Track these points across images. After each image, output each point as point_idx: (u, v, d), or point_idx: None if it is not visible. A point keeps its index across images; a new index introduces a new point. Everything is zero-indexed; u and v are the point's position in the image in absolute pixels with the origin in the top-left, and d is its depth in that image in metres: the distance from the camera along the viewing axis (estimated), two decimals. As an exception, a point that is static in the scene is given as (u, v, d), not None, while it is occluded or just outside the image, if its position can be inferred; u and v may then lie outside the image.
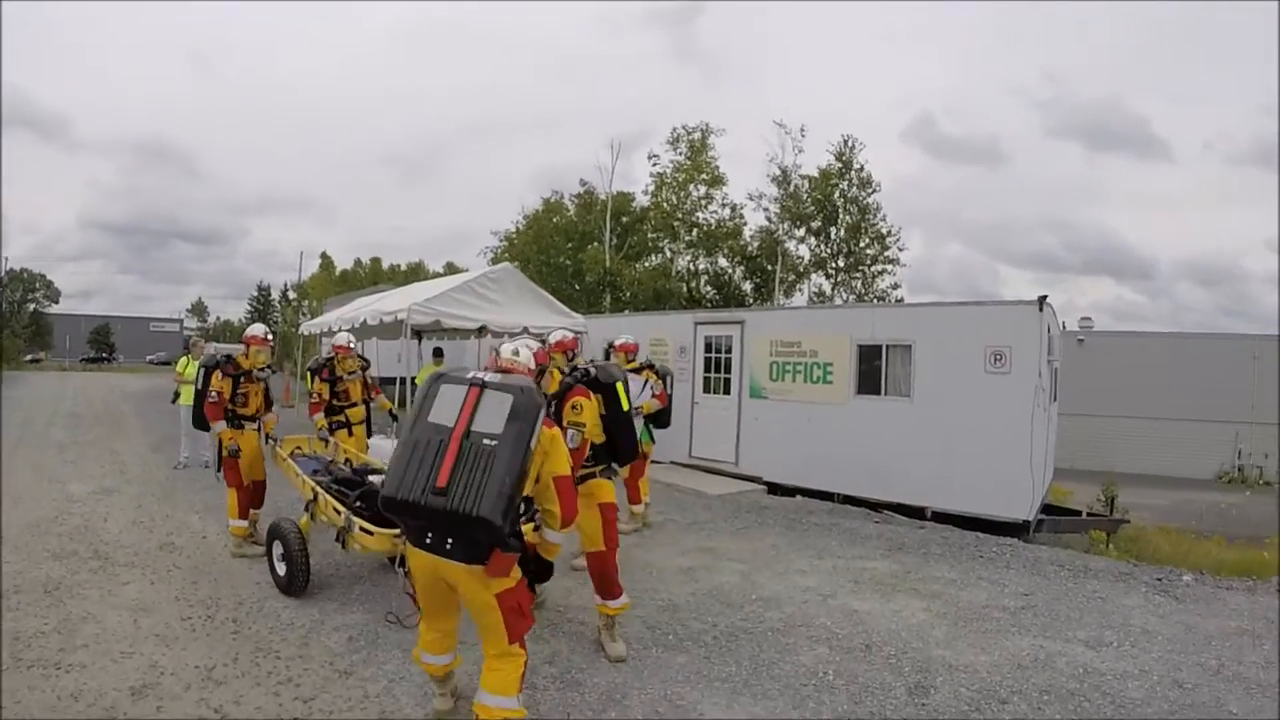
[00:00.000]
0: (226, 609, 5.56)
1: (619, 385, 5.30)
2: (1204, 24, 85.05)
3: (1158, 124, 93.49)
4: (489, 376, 3.63)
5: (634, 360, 8.67)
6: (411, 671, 4.55)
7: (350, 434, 8.34)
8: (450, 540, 3.44)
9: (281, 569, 5.86)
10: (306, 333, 20.22)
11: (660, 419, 8.51)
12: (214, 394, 6.90)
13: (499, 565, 3.46)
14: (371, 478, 5.81)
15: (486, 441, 3.39)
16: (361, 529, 4.95)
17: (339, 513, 5.32)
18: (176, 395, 11.85)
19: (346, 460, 7.26)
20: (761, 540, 8.21)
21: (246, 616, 5.42)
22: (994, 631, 5.61)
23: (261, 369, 7.35)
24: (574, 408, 4.91)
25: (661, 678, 4.65)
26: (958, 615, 5.93)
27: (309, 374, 8.67)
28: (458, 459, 3.38)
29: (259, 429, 7.39)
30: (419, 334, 13.68)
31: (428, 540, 3.50)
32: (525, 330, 13.31)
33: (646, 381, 8.43)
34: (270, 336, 7.49)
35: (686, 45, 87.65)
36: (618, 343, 8.62)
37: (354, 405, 8.43)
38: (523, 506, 3.71)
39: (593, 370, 5.25)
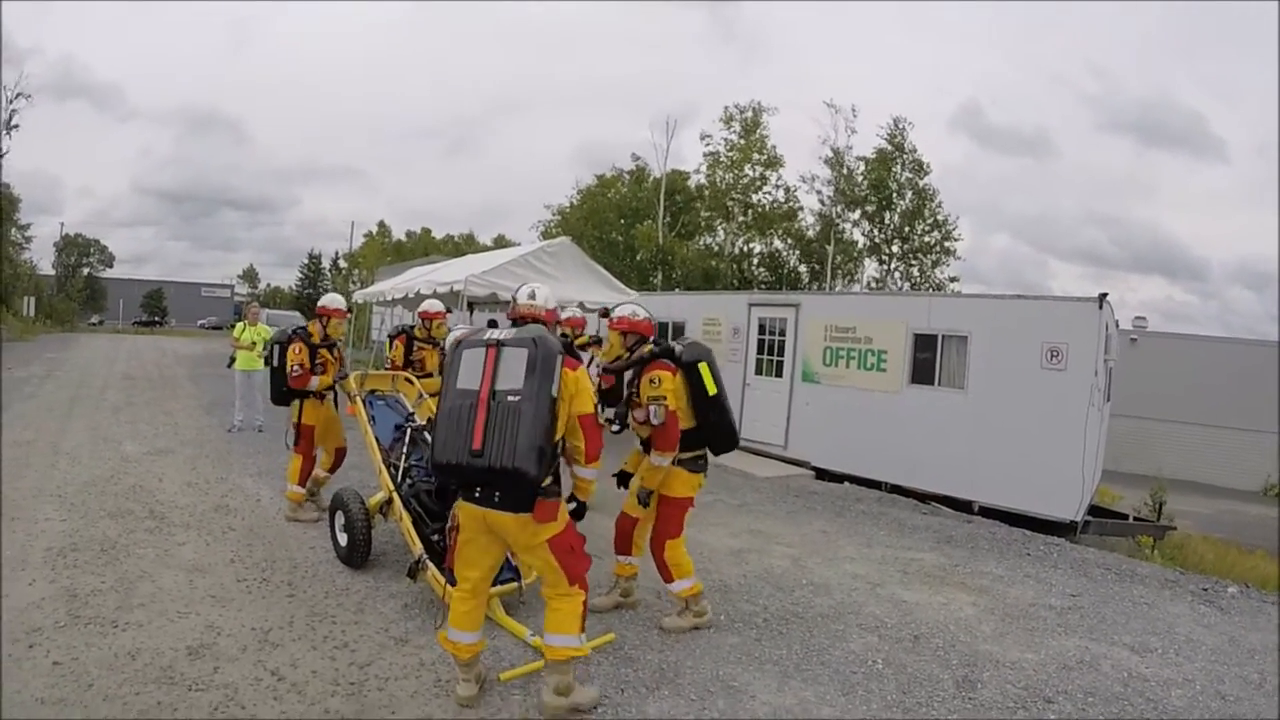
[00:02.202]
0: (282, 572, 5.69)
1: (702, 365, 5.05)
2: (1259, 21, 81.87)
3: (1214, 123, 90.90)
4: (503, 334, 3.79)
5: (581, 335, 8.58)
6: None
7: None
8: (497, 494, 3.66)
9: (343, 539, 5.87)
10: (361, 300, 20.54)
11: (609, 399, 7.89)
12: (296, 367, 6.99)
13: (545, 511, 3.69)
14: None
15: (511, 399, 3.58)
16: (435, 576, 4.89)
17: (413, 539, 5.24)
18: (232, 360, 12.04)
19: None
20: (810, 525, 8.35)
21: (302, 580, 5.55)
22: (1041, 630, 5.70)
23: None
24: (652, 381, 4.87)
25: (714, 658, 4.80)
26: (1005, 611, 6.03)
27: (388, 339, 8.64)
28: (488, 420, 3.57)
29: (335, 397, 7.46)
30: (472, 306, 13.86)
31: (476, 495, 3.73)
32: (580, 305, 13.51)
33: (593, 359, 8.24)
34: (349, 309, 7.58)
35: (727, 26, 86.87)
36: (563, 316, 8.24)
37: (429, 376, 8.14)
38: (559, 447, 3.86)
39: (677, 347, 5.12)
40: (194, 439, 10.90)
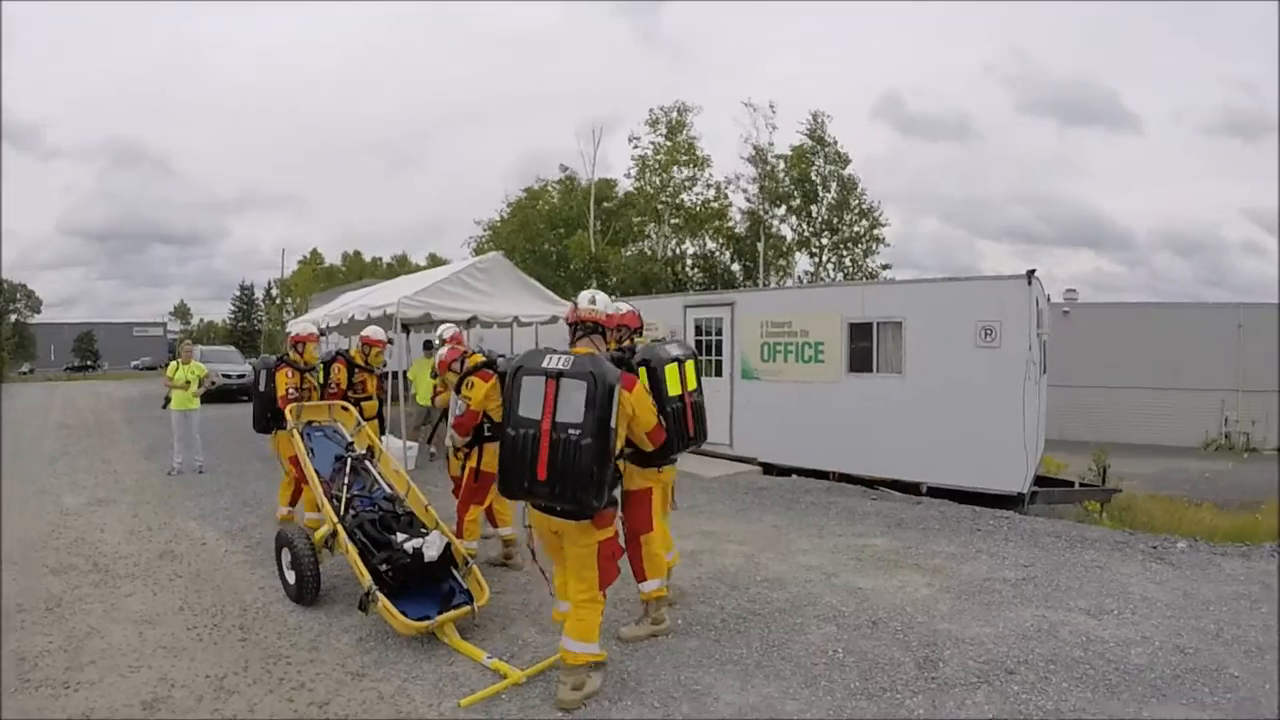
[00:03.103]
0: (232, 616, 5.51)
1: (662, 369, 4.95)
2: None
3: (1127, 98, 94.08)
4: (561, 363, 3.90)
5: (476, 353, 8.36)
6: (424, 670, 4.59)
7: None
8: (558, 507, 3.97)
9: (291, 577, 5.71)
10: (292, 331, 19.98)
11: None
12: (292, 390, 7.31)
13: (603, 519, 4.04)
14: (401, 537, 5.52)
15: (572, 433, 3.76)
16: (386, 607, 4.88)
17: (361, 571, 5.16)
18: (167, 401, 11.65)
19: (373, 483, 6.52)
20: (761, 521, 8.27)
21: (253, 623, 5.39)
22: (997, 604, 5.68)
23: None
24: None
25: (674, 663, 4.69)
26: (960, 589, 6.00)
27: (323, 365, 8.54)
28: (551, 451, 3.78)
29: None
30: (407, 328, 13.61)
31: (542, 506, 4.04)
32: (515, 320, 13.32)
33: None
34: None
35: (651, 32, 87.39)
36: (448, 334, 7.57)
37: (369, 399, 8.50)
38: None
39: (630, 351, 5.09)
40: (134, 485, 10.54)
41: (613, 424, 3.80)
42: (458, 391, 6.17)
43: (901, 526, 8.08)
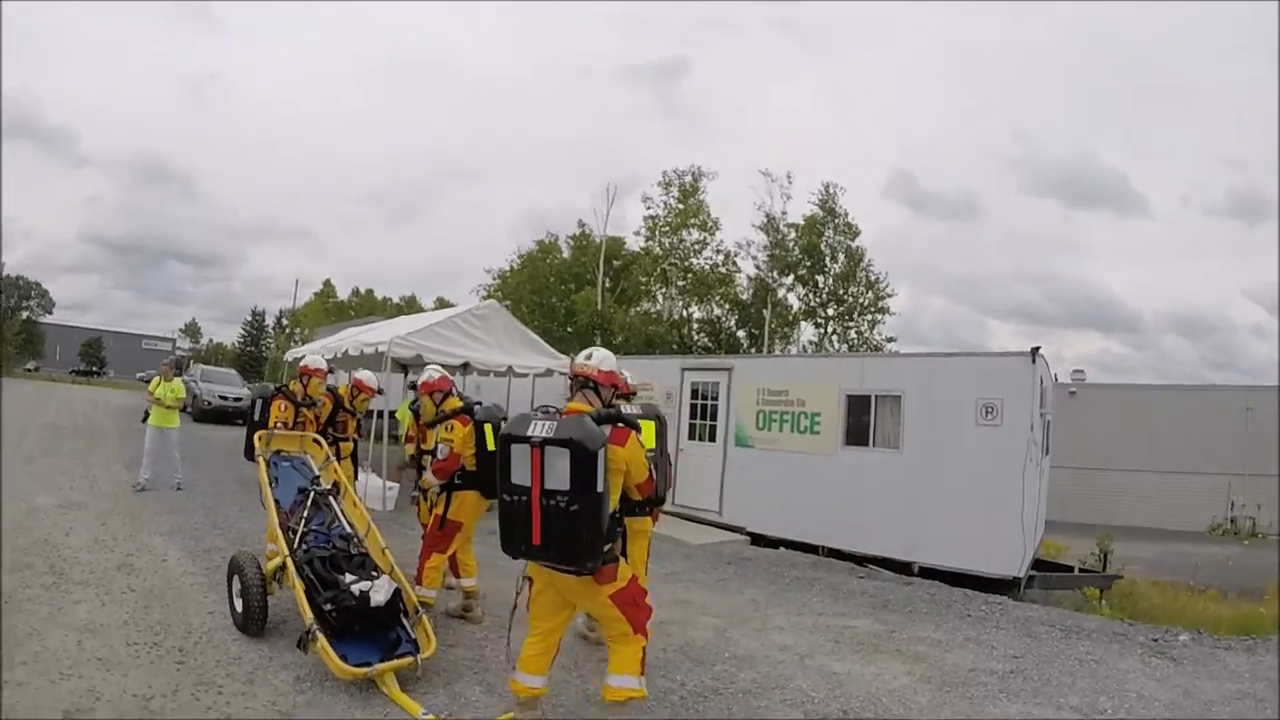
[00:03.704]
0: (175, 637, 5.31)
1: (646, 423, 5.15)
2: (1169, 79, 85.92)
3: (1135, 179, 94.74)
4: (545, 429, 3.83)
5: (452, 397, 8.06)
6: (356, 718, 4.34)
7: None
8: (558, 567, 3.96)
9: (238, 605, 5.53)
10: (290, 359, 19.88)
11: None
12: (280, 425, 7.32)
13: (605, 575, 3.97)
14: (349, 578, 5.30)
15: (560, 500, 3.76)
16: (324, 649, 4.68)
17: (304, 608, 4.99)
18: (146, 415, 11.57)
19: (333, 520, 6.29)
20: (740, 594, 7.88)
21: (194, 647, 5.18)
22: (980, 698, 5.28)
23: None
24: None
25: (620, 740, 4.33)
26: (943, 679, 5.60)
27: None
28: (543, 518, 3.80)
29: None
30: (405, 368, 13.44)
31: (543, 563, 4.02)
32: (510, 370, 13.08)
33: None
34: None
35: (669, 101, 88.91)
36: (421, 379, 7.07)
37: (346, 439, 8.56)
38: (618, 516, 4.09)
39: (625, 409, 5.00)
40: (109, 494, 10.36)
41: (599, 488, 3.77)
42: (429, 428, 6.19)
43: (887, 608, 7.68)
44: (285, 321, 69.53)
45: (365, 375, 8.83)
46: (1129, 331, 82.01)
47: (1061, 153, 79.93)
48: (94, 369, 69.55)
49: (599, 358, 4.39)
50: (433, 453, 6.16)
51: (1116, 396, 23.29)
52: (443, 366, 7.42)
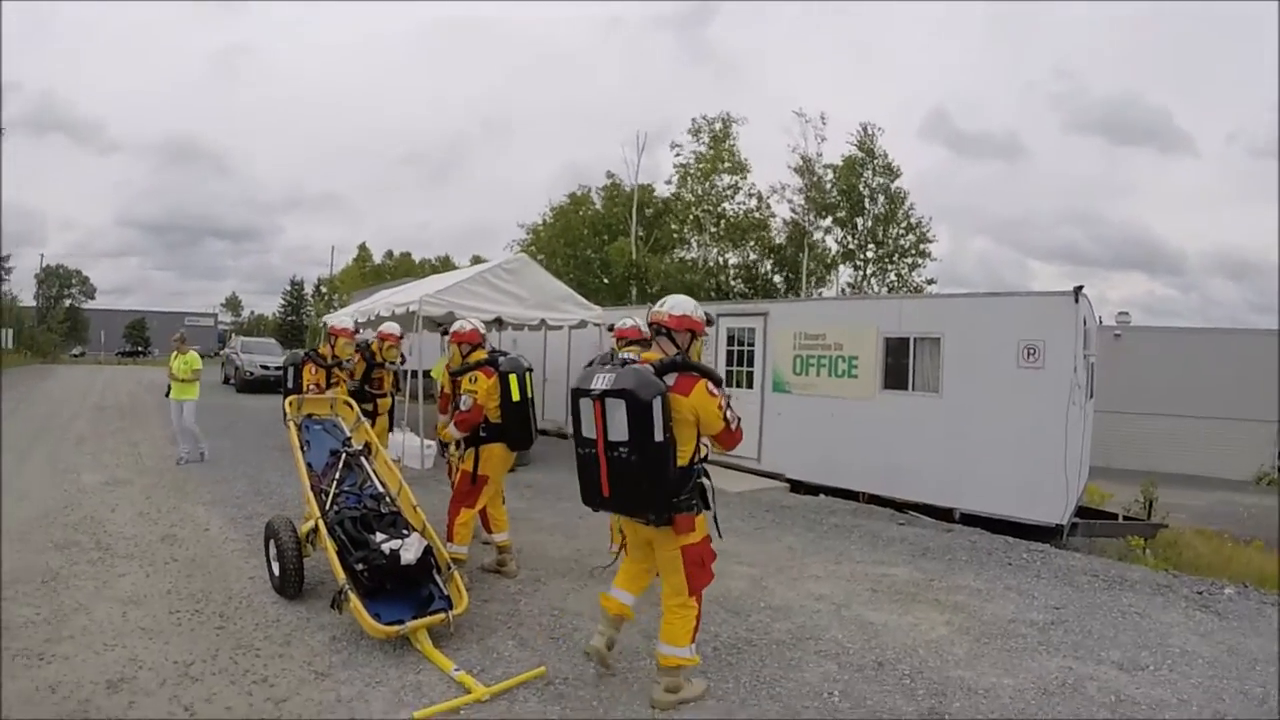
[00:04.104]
0: (216, 603, 5.44)
1: None
2: (1216, 17, 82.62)
3: (1179, 117, 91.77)
4: (605, 382, 3.91)
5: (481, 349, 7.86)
6: (389, 675, 4.39)
7: (374, 424, 8.16)
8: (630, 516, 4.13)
9: (276, 569, 5.64)
10: (325, 324, 20.00)
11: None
12: (312, 387, 7.51)
13: (682, 524, 4.00)
14: (380, 537, 5.28)
15: (622, 451, 3.84)
16: (357, 608, 4.72)
17: (337, 569, 5.03)
18: (169, 391, 11.42)
19: (365, 479, 6.27)
20: (778, 542, 7.82)
21: (234, 612, 5.30)
22: (1020, 650, 5.19)
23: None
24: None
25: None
26: (981, 630, 5.51)
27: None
28: (609, 469, 3.92)
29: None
30: (443, 328, 13.41)
31: (617, 513, 4.28)
32: (543, 323, 13.01)
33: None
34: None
35: (698, 47, 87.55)
36: (453, 328, 6.95)
37: (384, 395, 8.54)
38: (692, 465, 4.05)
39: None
40: (154, 469, 10.65)
41: (658, 437, 3.77)
42: (455, 377, 6.16)
43: (927, 556, 7.58)
44: (324, 289, 70.17)
45: (386, 326, 8.86)
46: (1173, 274, 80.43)
47: (1105, 90, 77.73)
48: (139, 349, 71.12)
49: (671, 304, 4.33)
50: (457, 404, 6.12)
51: (1163, 340, 22.70)
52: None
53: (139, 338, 74.26)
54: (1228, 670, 5.03)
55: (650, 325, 4.38)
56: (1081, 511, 9.95)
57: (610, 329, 7.88)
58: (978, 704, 4.35)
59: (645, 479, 3.83)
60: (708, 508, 4.15)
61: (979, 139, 69.28)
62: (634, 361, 4.06)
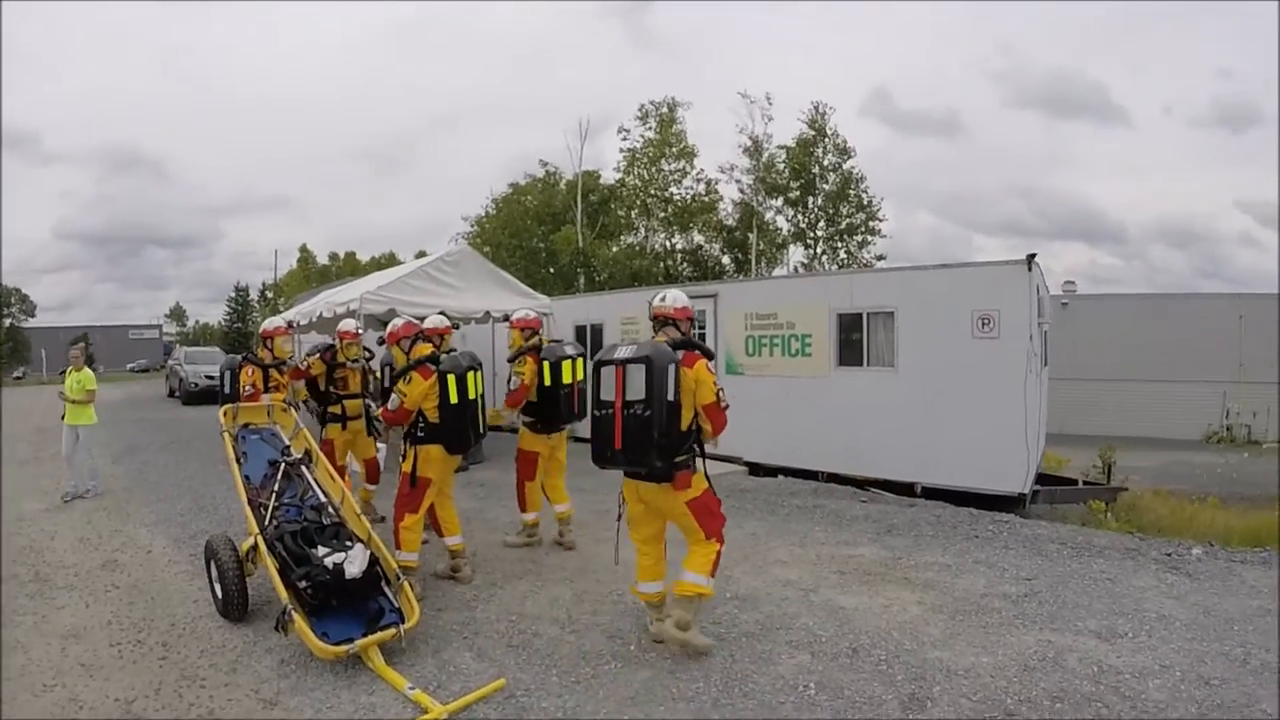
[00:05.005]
0: (158, 632, 5.13)
1: (559, 363, 6.61)
2: None
3: (1116, 92, 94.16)
4: (627, 352, 4.50)
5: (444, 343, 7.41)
6: (341, 699, 4.12)
7: (344, 428, 7.88)
8: (626, 469, 4.62)
9: (218, 591, 5.31)
10: (265, 329, 19.39)
11: None
12: (248, 387, 7.23)
13: (681, 481, 4.55)
14: (322, 551, 5.02)
15: (637, 408, 4.37)
16: (302, 629, 4.44)
17: (279, 588, 4.74)
18: (63, 414, 10.10)
19: (306, 489, 6.02)
20: (739, 528, 7.54)
21: (177, 640, 5.00)
22: (995, 625, 5.02)
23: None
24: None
25: (619, 698, 4.09)
26: (955, 608, 5.34)
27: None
28: (625, 426, 4.40)
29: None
30: (387, 325, 12.98)
31: (630, 472, 4.64)
32: (488, 315, 12.66)
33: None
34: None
35: (642, 35, 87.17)
36: (426, 325, 7.11)
37: (352, 397, 8.06)
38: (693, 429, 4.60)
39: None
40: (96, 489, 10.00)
41: (670, 397, 4.36)
42: (395, 381, 5.84)
43: (892, 533, 7.43)
44: (269, 294, 68.77)
45: (345, 322, 8.42)
46: (1116, 242, 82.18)
47: (1044, 66, 79.37)
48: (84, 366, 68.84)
49: (671, 298, 4.95)
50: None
51: (1109, 307, 23.01)
52: (416, 319, 7.08)
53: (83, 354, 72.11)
54: (1206, 632, 4.94)
55: (655, 318, 4.94)
56: (1041, 479, 9.89)
57: (506, 319, 7.78)
58: (959, 685, 4.17)
59: (656, 430, 4.33)
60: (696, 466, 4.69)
61: (919, 116, 69.94)
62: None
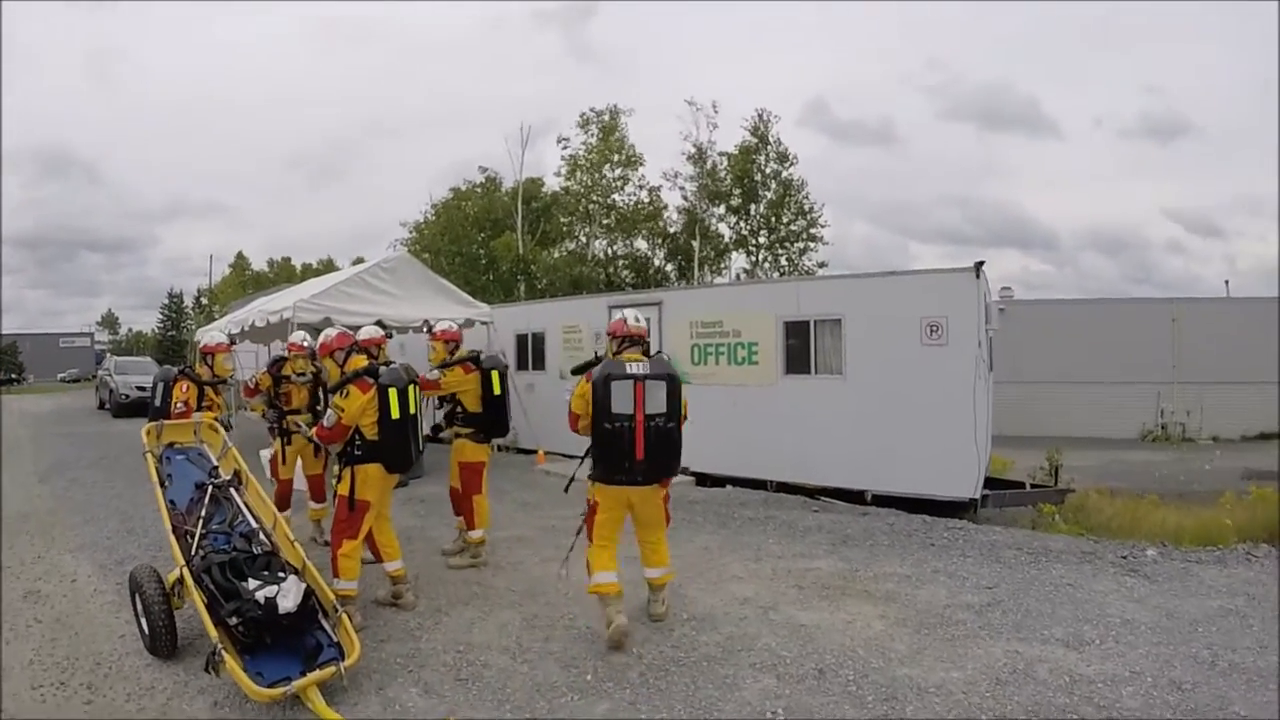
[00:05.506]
0: (83, 671, 4.71)
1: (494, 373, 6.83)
2: (1083, 10, 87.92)
3: (1046, 105, 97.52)
4: (641, 369, 4.85)
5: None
6: None
7: (288, 443, 7.52)
8: (642, 479, 4.90)
9: (144, 625, 4.87)
10: (199, 340, 18.73)
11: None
12: (180, 405, 6.72)
13: (668, 480, 5.13)
14: (253, 584, 4.62)
15: (660, 420, 4.81)
16: (232, 669, 4.06)
17: (208, 625, 4.36)
18: None
19: (236, 515, 5.58)
20: (690, 543, 7.33)
21: (103, 681, 4.57)
22: (962, 638, 4.88)
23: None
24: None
25: (580, 731, 3.80)
26: (919, 621, 5.18)
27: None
28: (646, 437, 4.76)
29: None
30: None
31: (626, 480, 4.88)
32: (425, 324, 12.28)
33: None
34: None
35: (581, 45, 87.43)
36: (361, 336, 6.57)
37: (297, 413, 7.65)
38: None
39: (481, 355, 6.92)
40: (18, 513, 9.31)
41: (680, 410, 4.93)
42: (330, 394, 5.53)
43: (847, 544, 7.28)
44: (204, 300, 66.97)
45: (296, 335, 8.02)
46: (1047, 249, 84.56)
47: (976, 80, 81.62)
48: (12, 376, 66.10)
49: (634, 318, 5.25)
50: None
51: (1046, 311, 23.44)
52: (350, 328, 6.78)
53: (11, 363, 68.99)
54: (1170, 635, 4.88)
55: (629, 336, 5.16)
56: (988, 482, 9.85)
57: (428, 331, 7.54)
58: (931, 703, 3.99)
59: (678, 440, 4.93)
60: None
61: (856, 126, 71.36)
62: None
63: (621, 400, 4.75)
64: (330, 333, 6.18)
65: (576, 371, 5.51)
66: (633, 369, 4.83)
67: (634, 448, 4.73)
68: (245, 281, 65.01)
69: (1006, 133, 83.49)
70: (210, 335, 7.58)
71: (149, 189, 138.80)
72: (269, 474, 7.94)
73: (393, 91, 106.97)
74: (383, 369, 5.52)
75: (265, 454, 8.71)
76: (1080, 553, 6.76)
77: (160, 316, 73.85)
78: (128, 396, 22.88)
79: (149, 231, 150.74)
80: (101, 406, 26.42)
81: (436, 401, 7.03)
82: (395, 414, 5.28)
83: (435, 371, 6.63)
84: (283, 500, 7.46)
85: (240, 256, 71.11)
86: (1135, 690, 4.11)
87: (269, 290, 32.70)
